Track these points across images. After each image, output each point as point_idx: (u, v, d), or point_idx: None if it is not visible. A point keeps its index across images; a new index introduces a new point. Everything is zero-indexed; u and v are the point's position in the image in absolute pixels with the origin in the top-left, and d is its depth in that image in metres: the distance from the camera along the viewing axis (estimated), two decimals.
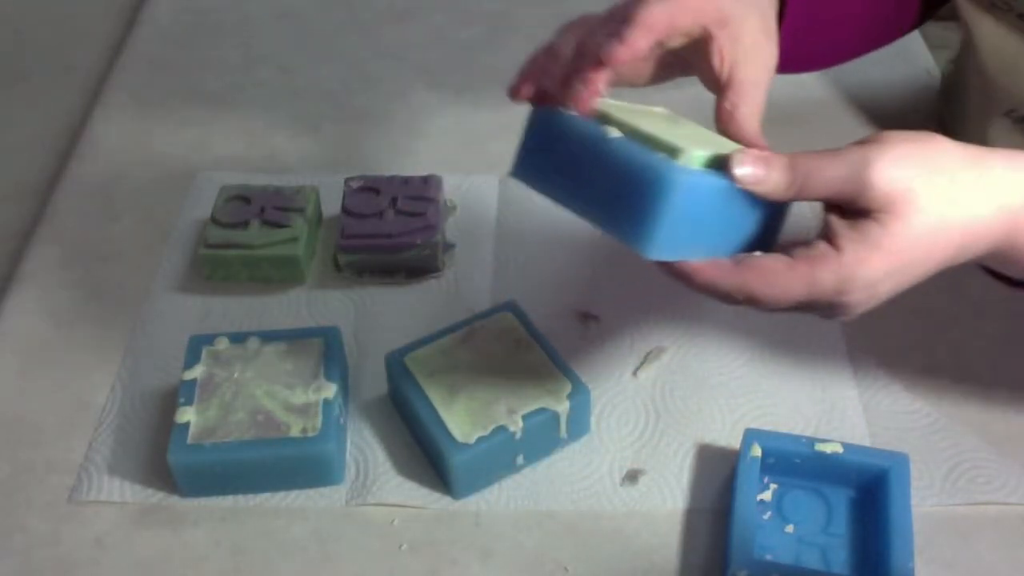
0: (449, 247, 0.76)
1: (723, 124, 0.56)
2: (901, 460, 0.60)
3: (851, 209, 0.49)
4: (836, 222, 0.49)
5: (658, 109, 0.57)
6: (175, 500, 0.62)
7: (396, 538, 0.60)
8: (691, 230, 0.48)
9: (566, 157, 0.49)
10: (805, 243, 0.50)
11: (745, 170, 0.49)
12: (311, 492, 0.62)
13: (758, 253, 0.51)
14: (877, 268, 0.48)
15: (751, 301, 0.50)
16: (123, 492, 0.62)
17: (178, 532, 0.61)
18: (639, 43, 0.52)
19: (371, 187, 0.76)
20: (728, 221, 0.51)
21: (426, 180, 0.76)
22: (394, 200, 0.75)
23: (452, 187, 0.79)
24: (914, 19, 0.75)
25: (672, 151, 0.47)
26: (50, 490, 0.63)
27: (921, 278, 0.50)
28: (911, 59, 0.80)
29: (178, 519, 0.61)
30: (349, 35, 0.99)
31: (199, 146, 0.87)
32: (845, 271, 0.48)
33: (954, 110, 0.81)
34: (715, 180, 0.49)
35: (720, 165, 0.49)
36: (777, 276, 0.49)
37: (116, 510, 0.62)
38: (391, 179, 0.76)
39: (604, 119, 0.50)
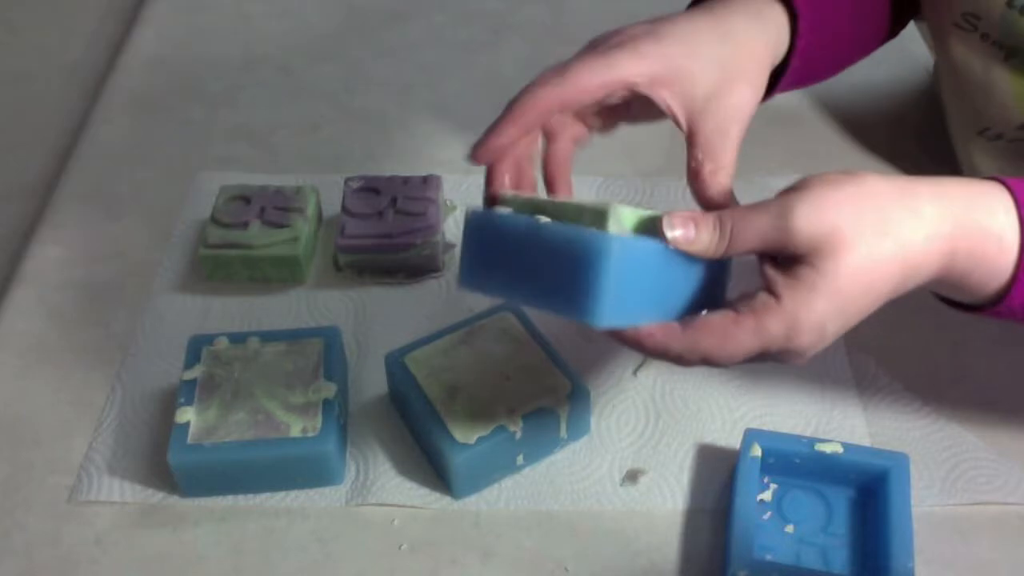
0: (449, 247, 0.76)
1: (691, 181, 0.56)
2: (901, 460, 0.60)
3: (784, 257, 0.50)
4: (771, 272, 0.50)
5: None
6: (175, 500, 0.62)
7: (396, 538, 0.60)
8: (635, 294, 0.49)
9: (505, 255, 0.50)
10: (750, 296, 0.50)
11: (675, 232, 0.50)
12: (311, 492, 0.62)
13: (705, 312, 0.51)
14: (818, 310, 0.48)
15: (705, 360, 0.50)
16: (123, 492, 0.62)
17: (178, 532, 0.61)
18: (500, 139, 0.55)
19: (371, 187, 0.76)
20: (671, 281, 0.51)
21: (426, 180, 0.76)
22: (394, 200, 0.75)
23: (452, 187, 0.79)
24: (884, 35, 0.75)
25: (599, 214, 0.48)
26: (50, 490, 0.63)
27: (868, 311, 0.50)
28: (911, 59, 0.80)
29: (178, 519, 0.61)
30: (349, 35, 0.99)
31: (199, 146, 0.87)
32: (789, 318, 0.48)
33: (939, 126, 0.81)
34: (649, 243, 0.50)
35: (654, 227, 0.50)
36: (726, 332, 0.49)
37: (116, 510, 0.62)
38: (391, 179, 0.76)
39: (536, 208, 0.51)
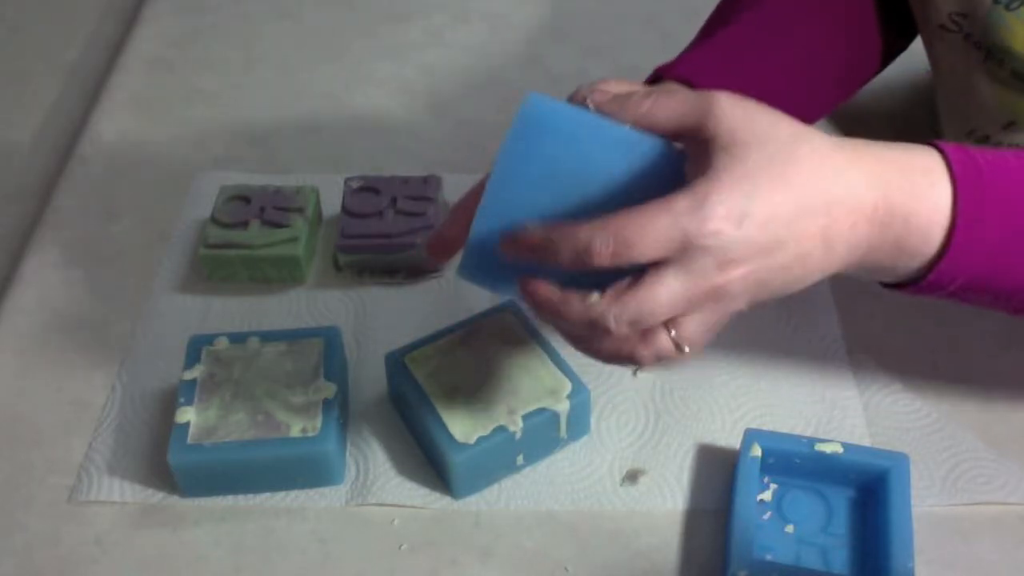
0: None
1: None
2: (901, 460, 0.60)
3: (697, 142, 0.47)
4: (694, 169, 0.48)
5: None
6: (175, 500, 0.62)
7: (396, 538, 0.60)
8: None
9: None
10: None
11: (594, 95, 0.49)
12: (311, 492, 0.62)
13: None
14: (727, 191, 0.45)
15: (616, 255, 0.45)
16: (123, 492, 0.62)
17: (178, 532, 0.61)
18: (449, 231, 0.54)
19: (371, 187, 0.76)
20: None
21: (426, 180, 0.76)
22: (394, 200, 0.75)
23: (452, 187, 0.79)
24: (876, 66, 0.76)
25: None
26: (50, 490, 0.63)
27: (795, 219, 0.46)
28: (911, 59, 0.80)
29: (178, 519, 0.61)
30: (349, 35, 0.99)
31: (199, 146, 0.87)
32: (698, 197, 0.45)
33: (934, 123, 0.81)
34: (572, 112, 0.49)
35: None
36: (640, 215, 0.45)
37: (116, 510, 0.62)
38: (391, 179, 0.76)
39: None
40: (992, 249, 0.50)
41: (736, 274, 0.47)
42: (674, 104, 0.48)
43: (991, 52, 0.68)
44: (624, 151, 0.49)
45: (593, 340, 0.49)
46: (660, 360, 0.49)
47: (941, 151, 0.50)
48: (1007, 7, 0.65)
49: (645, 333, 0.48)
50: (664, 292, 0.46)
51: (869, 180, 0.48)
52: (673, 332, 0.48)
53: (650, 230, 0.45)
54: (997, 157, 0.51)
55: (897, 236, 0.49)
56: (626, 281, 0.47)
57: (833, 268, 0.50)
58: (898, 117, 0.88)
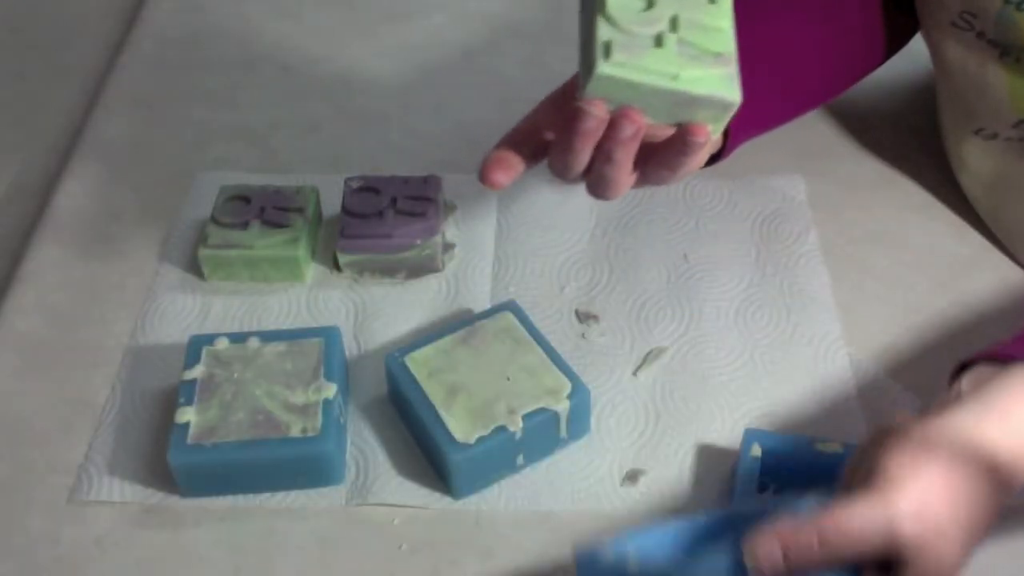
0: (449, 247, 0.76)
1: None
2: None
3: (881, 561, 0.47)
4: None
5: None
6: (175, 500, 0.62)
7: (396, 538, 0.60)
8: None
9: None
10: None
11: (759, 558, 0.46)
12: (311, 492, 0.62)
13: None
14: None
15: None
16: (123, 492, 0.62)
17: (178, 532, 0.61)
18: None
19: (371, 187, 0.76)
20: None
21: (426, 180, 0.76)
22: (394, 200, 0.75)
23: (452, 187, 0.79)
24: (881, 55, 0.76)
25: None
26: (50, 490, 0.63)
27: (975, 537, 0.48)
28: (911, 59, 0.80)
29: (178, 519, 0.61)
30: (349, 35, 0.99)
31: (199, 146, 0.87)
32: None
33: (934, 123, 0.81)
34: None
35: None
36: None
37: (116, 510, 0.62)
38: (391, 179, 0.76)
39: None
40: None
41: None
42: (855, 536, 0.46)
43: (1007, 49, 0.68)
44: None
45: None
46: None
47: None
48: (1017, 7, 0.65)
49: None
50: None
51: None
52: None
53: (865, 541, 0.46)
54: None
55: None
56: None
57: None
58: (899, 116, 0.88)
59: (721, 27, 0.50)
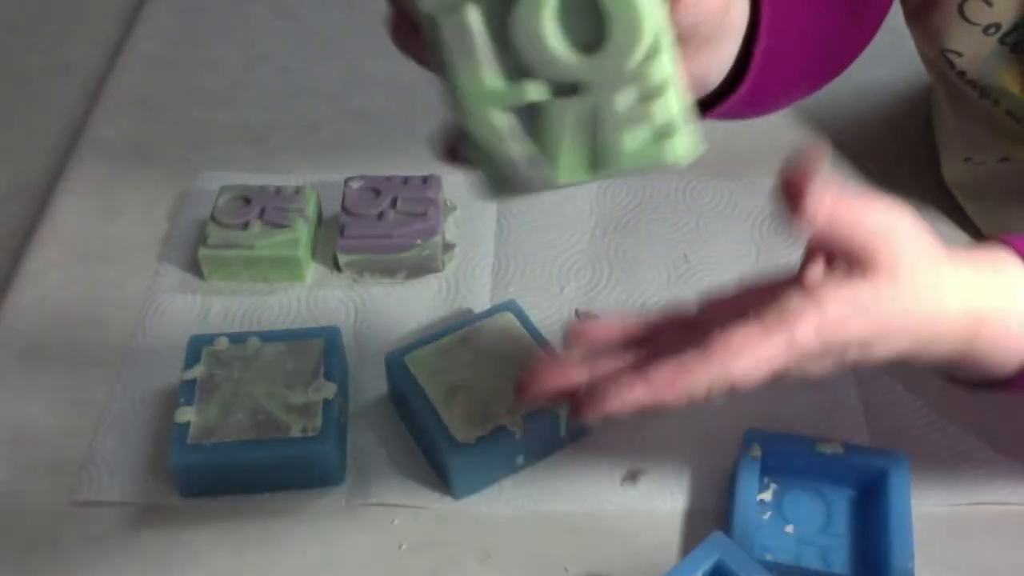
0: (449, 247, 0.76)
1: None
2: (901, 460, 0.60)
3: (844, 261, 0.47)
4: (821, 275, 0.48)
5: None
6: (175, 500, 0.62)
7: (396, 538, 0.60)
8: None
9: None
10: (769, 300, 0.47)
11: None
12: (311, 492, 0.62)
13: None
14: (855, 331, 0.46)
15: (726, 377, 0.47)
16: (123, 492, 0.62)
17: (178, 532, 0.61)
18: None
19: (371, 187, 0.76)
20: None
21: (426, 180, 0.76)
22: (394, 200, 0.75)
23: (452, 187, 0.79)
24: (870, 35, 0.75)
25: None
26: (50, 490, 0.63)
27: (876, 360, 0.48)
28: (911, 59, 0.80)
29: (178, 519, 0.61)
30: (349, 35, 0.99)
31: (199, 146, 0.86)
32: (827, 331, 0.46)
33: (930, 128, 0.81)
34: None
35: None
36: (750, 341, 0.45)
37: (116, 510, 0.62)
38: (391, 179, 0.76)
39: None
40: None
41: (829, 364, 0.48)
42: (860, 219, 0.47)
43: (985, 91, 0.68)
44: None
45: None
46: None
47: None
48: (1012, 49, 0.64)
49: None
50: (762, 366, 0.47)
51: (967, 333, 0.49)
52: None
53: (763, 357, 0.46)
54: None
55: (983, 350, 0.50)
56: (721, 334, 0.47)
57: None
58: (898, 119, 0.88)
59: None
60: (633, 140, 0.38)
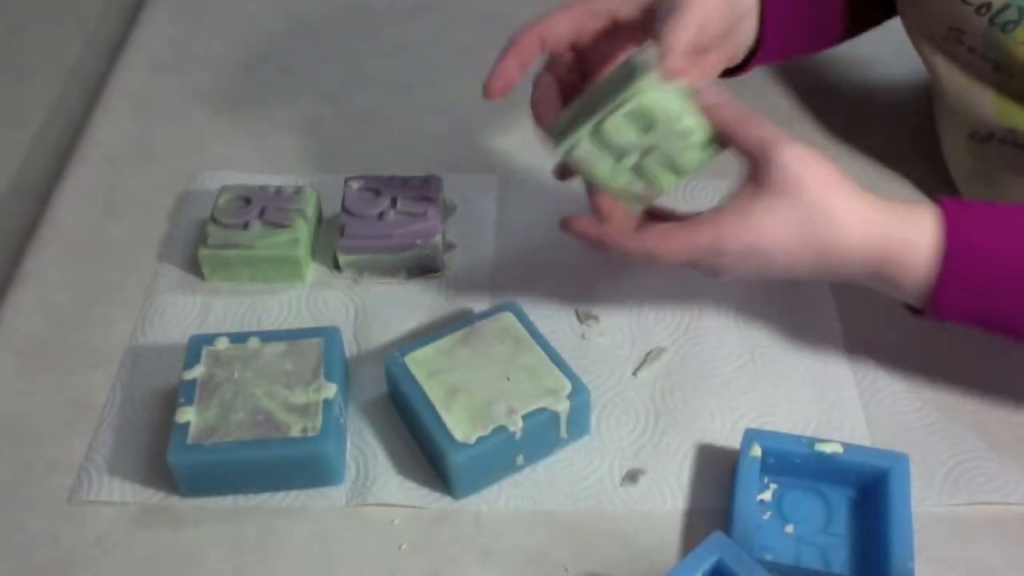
0: (449, 247, 0.76)
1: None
2: (901, 460, 0.60)
3: (752, 180, 0.58)
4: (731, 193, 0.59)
5: None
6: (175, 500, 0.62)
7: (396, 538, 0.60)
8: None
9: None
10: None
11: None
12: (311, 492, 0.62)
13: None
14: (748, 240, 0.58)
15: (649, 257, 0.60)
16: (123, 492, 0.62)
17: (178, 532, 0.61)
18: (505, 68, 0.65)
19: (371, 187, 0.76)
20: None
21: (426, 180, 0.76)
22: (394, 200, 0.75)
23: (452, 187, 0.79)
24: (839, 34, 0.79)
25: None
26: (50, 490, 0.63)
27: (784, 272, 0.59)
28: (910, 58, 0.80)
29: (178, 519, 0.61)
30: (349, 35, 0.99)
31: (199, 146, 0.87)
32: (720, 239, 0.58)
33: (931, 123, 0.82)
34: None
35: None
36: (666, 235, 0.60)
37: (116, 510, 0.62)
38: (391, 179, 0.76)
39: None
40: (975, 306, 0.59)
41: (729, 270, 0.61)
42: (746, 130, 0.59)
43: (999, 65, 0.68)
44: None
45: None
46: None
47: (940, 210, 0.58)
48: (1002, 29, 0.66)
49: None
50: (673, 264, 0.61)
51: (873, 259, 0.59)
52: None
53: (677, 253, 0.60)
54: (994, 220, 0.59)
55: (888, 276, 0.60)
56: (651, 228, 0.61)
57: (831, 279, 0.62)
58: (896, 118, 0.88)
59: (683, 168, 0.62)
60: (690, 157, 0.61)
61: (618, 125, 0.58)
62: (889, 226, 0.58)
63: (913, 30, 0.74)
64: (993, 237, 0.57)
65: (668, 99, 0.58)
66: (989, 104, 0.71)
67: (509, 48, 0.65)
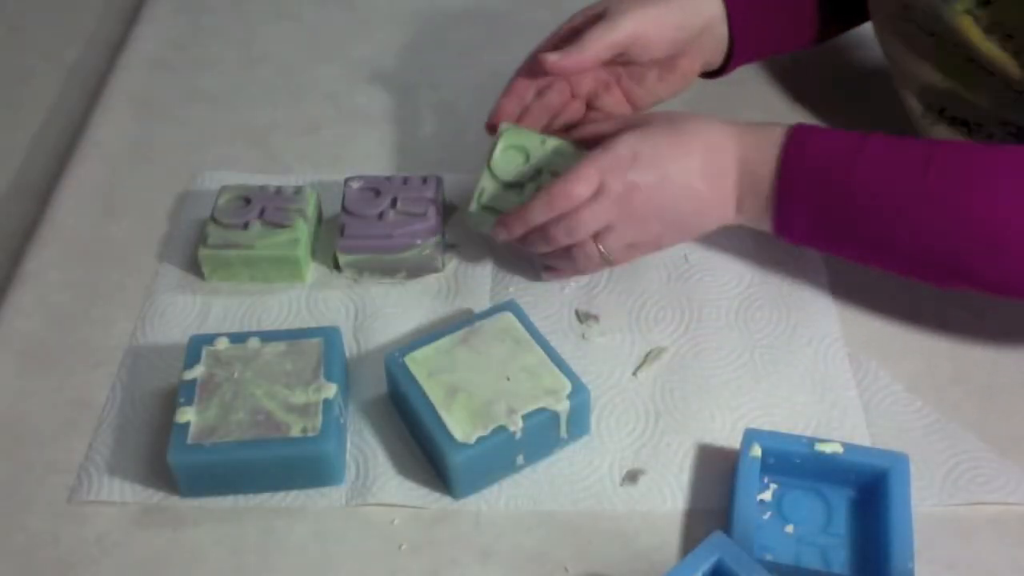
0: (449, 247, 0.76)
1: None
2: (901, 460, 0.60)
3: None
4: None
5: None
6: (175, 500, 0.62)
7: (396, 538, 0.60)
8: None
9: None
10: None
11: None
12: (311, 492, 0.62)
13: None
14: (627, 139, 0.65)
15: (567, 197, 0.65)
16: (123, 492, 0.62)
17: (178, 532, 0.61)
18: (511, 100, 0.75)
19: (371, 187, 0.76)
20: None
21: (426, 180, 0.76)
22: (394, 200, 0.75)
23: (452, 187, 0.79)
24: (814, 36, 0.82)
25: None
26: (50, 490, 0.63)
27: (678, 158, 0.66)
28: None
29: (178, 519, 0.61)
30: (349, 35, 0.99)
31: (199, 146, 0.87)
32: (607, 144, 0.66)
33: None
34: None
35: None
36: (572, 172, 0.65)
37: (116, 510, 0.62)
38: (391, 179, 0.76)
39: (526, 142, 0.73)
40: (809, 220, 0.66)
41: (638, 197, 0.65)
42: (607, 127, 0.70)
43: (942, 39, 0.68)
44: None
45: (550, 254, 0.70)
46: (594, 266, 0.70)
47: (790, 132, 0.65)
48: (945, 0, 0.66)
49: (580, 244, 0.68)
50: (587, 212, 0.65)
51: (735, 143, 0.66)
52: (600, 246, 0.67)
53: (581, 176, 0.65)
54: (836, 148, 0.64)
55: (750, 183, 0.66)
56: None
57: (719, 202, 0.67)
58: (894, 116, 0.88)
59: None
60: (571, 163, 0.68)
61: (505, 160, 0.71)
62: (744, 128, 0.66)
63: (874, 11, 0.75)
64: (827, 152, 0.64)
65: (526, 134, 0.72)
66: (937, 80, 0.71)
67: (507, 90, 0.76)
